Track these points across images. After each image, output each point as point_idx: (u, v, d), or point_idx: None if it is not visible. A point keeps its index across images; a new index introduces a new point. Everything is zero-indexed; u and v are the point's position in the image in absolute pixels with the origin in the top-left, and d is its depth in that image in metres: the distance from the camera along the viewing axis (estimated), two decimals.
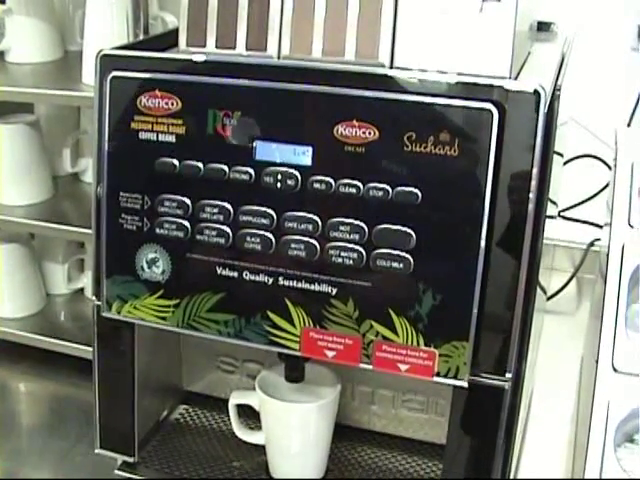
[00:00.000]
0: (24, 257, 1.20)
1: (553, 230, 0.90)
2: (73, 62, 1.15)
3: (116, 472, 0.86)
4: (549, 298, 1.16)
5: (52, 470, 0.95)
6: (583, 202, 1.25)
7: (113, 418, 0.85)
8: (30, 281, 1.21)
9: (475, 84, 0.64)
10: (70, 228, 1.07)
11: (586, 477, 0.68)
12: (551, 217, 0.85)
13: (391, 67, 0.70)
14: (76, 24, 1.17)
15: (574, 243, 1.26)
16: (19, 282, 1.20)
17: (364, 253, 0.67)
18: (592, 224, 1.24)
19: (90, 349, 0.82)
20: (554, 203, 0.87)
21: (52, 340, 1.13)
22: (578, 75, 0.93)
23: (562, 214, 1.25)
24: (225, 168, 0.70)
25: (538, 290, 0.72)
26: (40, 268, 1.23)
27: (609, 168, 1.09)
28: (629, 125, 1.20)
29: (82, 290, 1.26)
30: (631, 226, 0.80)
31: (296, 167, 0.68)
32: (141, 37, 1.00)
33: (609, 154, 1.01)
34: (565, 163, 1.19)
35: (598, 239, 1.18)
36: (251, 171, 0.69)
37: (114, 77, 0.72)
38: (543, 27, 0.92)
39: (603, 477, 0.67)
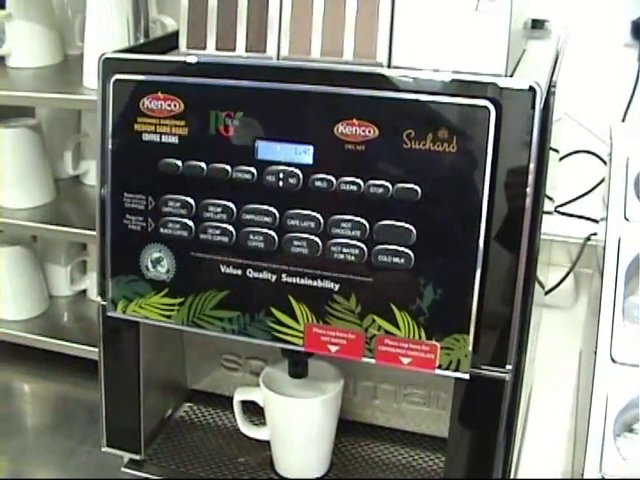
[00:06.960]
0: (27, 260, 1.20)
1: (550, 225, 0.91)
2: (73, 66, 1.16)
3: (123, 470, 0.87)
4: (547, 293, 1.17)
5: (58, 469, 0.96)
6: (579, 197, 1.26)
7: (119, 416, 0.86)
8: (33, 283, 1.21)
9: (472, 82, 0.65)
10: (72, 230, 1.07)
11: (586, 467, 0.69)
12: (548, 212, 0.86)
13: (389, 66, 0.71)
14: (76, 28, 1.18)
15: (571, 238, 1.27)
16: (22, 285, 1.20)
17: (365, 249, 0.68)
18: (588, 219, 1.25)
19: (93, 349, 0.83)
20: (551, 199, 0.88)
21: (55, 341, 1.13)
22: (572, 71, 0.94)
23: (559, 209, 1.26)
24: (228, 168, 0.71)
25: (536, 285, 0.73)
26: (43, 270, 1.24)
27: (604, 163, 1.10)
28: (623, 120, 1.21)
29: (85, 292, 1.27)
30: (627, 219, 0.82)
31: (298, 166, 0.69)
32: (142, 40, 1.01)
33: (604, 149, 1.02)
34: (561, 159, 1.20)
35: (594, 234, 1.19)
36: (253, 170, 0.70)
37: (117, 80, 0.73)
38: (537, 25, 0.92)
39: (603, 467, 0.68)
